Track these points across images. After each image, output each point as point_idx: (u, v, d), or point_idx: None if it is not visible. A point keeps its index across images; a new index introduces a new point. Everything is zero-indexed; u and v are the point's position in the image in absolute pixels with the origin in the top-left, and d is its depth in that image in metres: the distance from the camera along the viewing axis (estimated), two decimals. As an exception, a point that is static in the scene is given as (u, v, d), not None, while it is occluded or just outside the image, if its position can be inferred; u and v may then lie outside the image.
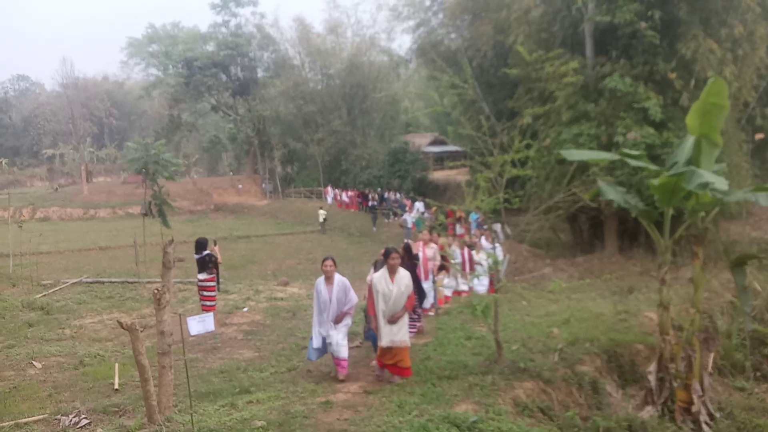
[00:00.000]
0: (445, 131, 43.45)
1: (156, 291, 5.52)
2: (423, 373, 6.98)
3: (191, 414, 5.70)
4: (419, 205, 30.76)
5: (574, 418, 6.19)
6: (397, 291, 6.68)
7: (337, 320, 7.11)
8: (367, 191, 39.64)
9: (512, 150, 7.32)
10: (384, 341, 6.68)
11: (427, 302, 10.69)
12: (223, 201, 51.86)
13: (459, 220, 24.31)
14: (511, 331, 8.88)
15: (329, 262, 7.07)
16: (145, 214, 20.59)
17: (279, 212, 45.59)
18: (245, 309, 12.77)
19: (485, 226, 18.66)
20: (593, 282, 11.97)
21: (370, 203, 35.88)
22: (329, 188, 44.59)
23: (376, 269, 7.70)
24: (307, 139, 49.69)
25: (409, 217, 28.56)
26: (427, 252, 10.79)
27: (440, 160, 47.24)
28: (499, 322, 7.32)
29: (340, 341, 7.07)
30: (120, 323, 5.39)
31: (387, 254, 6.76)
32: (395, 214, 33.02)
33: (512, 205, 7.29)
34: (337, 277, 7.13)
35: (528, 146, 7.46)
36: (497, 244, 14.08)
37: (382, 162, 44.74)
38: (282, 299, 13.91)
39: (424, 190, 39.69)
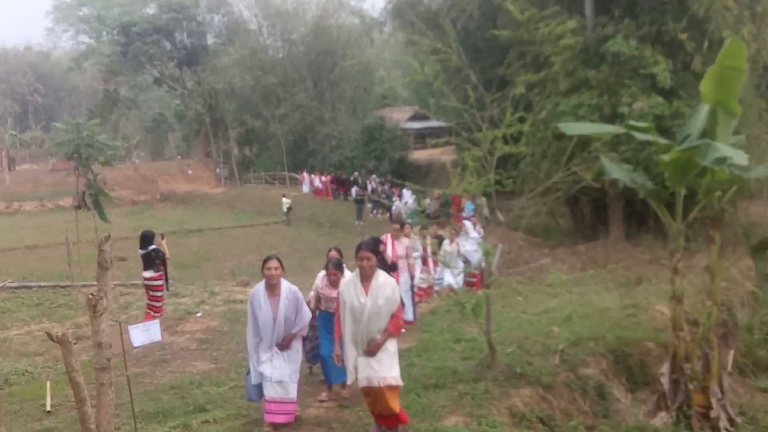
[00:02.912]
0: (426, 104, 43.37)
1: (91, 296, 5.40)
2: (406, 383, 6.94)
3: (137, 438, 5.63)
4: (408, 194, 30.31)
5: (579, 428, 6.26)
6: (371, 305, 5.40)
7: (283, 345, 6.07)
8: (343, 176, 39.43)
9: (503, 124, 7.31)
10: (355, 377, 5.52)
11: (407, 313, 10.08)
12: (171, 189, 51.33)
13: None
14: (505, 332, 8.95)
15: (273, 264, 5.98)
16: (78, 207, 20.24)
17: (236, 201, 45.30)
18: (199, 314, 12.68)
19: (473, 213, 18.77)
20: (597, 273, 12.07)
21: (354, 193, 34.69)
22: (305, 174, 44.19)
23: (329, 274, 6.86)
24: (267, 116, 49.29)
25: (402, 207, 28.27)
26: (397, 248, 10.40)
27: (422, 137, 47.21)
28: (492, 321, 7.35)
29: (288, 376, 6.01)
30: (50, 335, 5.28)
31: (357, 250, 5.55)
32: (382, 206, 31.81)
33: (505, 187, 7.29)
34: (285, 286, 6.04)
35: (521, 120, 7.47)
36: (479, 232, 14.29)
37: (354, 141, 44.61)
38: (242, 302, 13.80)
39: (403, 172, 39.68)
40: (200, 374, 8.73)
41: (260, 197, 43.85)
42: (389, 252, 10.17)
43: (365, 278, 5.53)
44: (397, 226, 10.88)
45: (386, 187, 35.07)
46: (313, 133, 48.25)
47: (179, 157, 69.11)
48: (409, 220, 14.11)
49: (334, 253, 7.79)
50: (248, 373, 6.29)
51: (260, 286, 6.12)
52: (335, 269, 6.87)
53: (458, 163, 31.94)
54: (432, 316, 11.48)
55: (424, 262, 12.94)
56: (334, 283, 6.79)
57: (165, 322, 11.41)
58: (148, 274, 11.59)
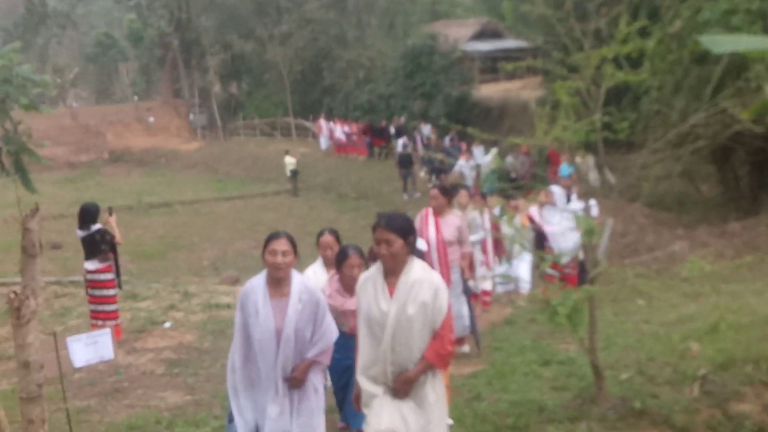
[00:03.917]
0: (499, 14, 43.01)
1: (13, 295, 5.58)
2: (471, 423, 7.05)
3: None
4: (479, 151, 29.88)
5: (728, 491, 6.27)
6: (397, 314, 5.10)
7: (294, 379, 5.79)
8: (382, 123, 39.27)
9: (615, 40, 7.24)
10: (377, 426, 5.15)
11: (458, 331, 9.58)
12: (125, 145, 52.13)
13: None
14: (618, 350, 8.93)
15: (281, 244, 5.75)
16: (-8, 170, 20.65)
17: (219, 162, 45.82)
18: (167, 324, 12.91)
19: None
20: (759, 263, 11.97)
21: (400, 150, 33.10)
22: (322, 122, 44.20)
23: (346, 267, 6.79)
24: (263, 36, 49.56)
25: (466, 167, 28.05)
26: (443, 231, 9.90)
27: (492, 65, 46.84)
28: (598, 334, 7.35)
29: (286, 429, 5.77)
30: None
31: (373, 229, 5.27)
32: (439, 169, 30.50)
33: (618, 134, 7.22)
34: (299, 282, 5.87)
35: (644, 33, 7.38)
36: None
37: (392, 72, 44.51)
38: (228, 306, 14.02)
39: (465, 116, 39.45)
40: (170, 410, 8.85)
41: (253, 156, 44.26)
42: (430, 236, 9.79)
43: (390, 272, 5.20)
44: (435, 192, 10.15)
45: (448, 140, 33.95)
46: (330, 60, 48.34)
47: (136, 98, 69.80)
48: (484, 189, 14.01)
49: (328, 239, 7.54)
50: (230, 420, 5.99)
51: (257, 280, 5.85)
52: (360, 258, 6.79)
53: (546, 101, 31.72)
54: (508, 328, 11.48)
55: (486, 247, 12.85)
56: (349, 286, 6.73)
57: (117, 332, 11.63)
58: (91, 265, 11.82)
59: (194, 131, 55.17)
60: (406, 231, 5.22)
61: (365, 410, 5.24)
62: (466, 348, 10.23)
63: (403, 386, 5.08)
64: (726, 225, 20.33)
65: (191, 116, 56.06)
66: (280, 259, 5.69)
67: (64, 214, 25.91)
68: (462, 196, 11.84)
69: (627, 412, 6.90)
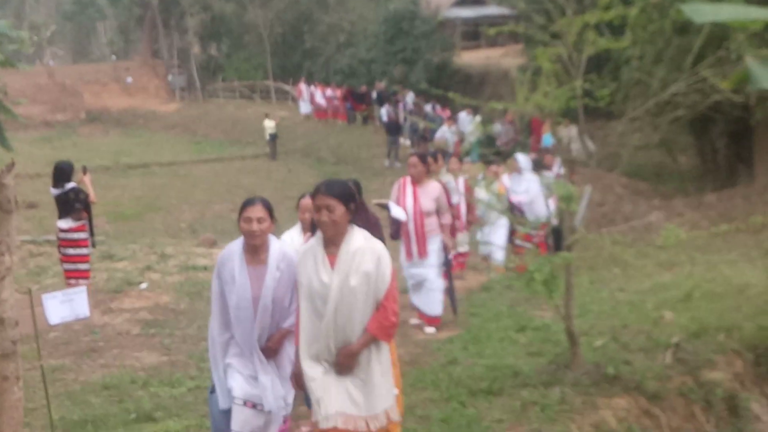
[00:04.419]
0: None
1: (-12, 251, 5.51)
2: (445, 387, 7.09)
3: (56, 456, 5.81)
4: (466, 117, 30.01)
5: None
6: (340, 286, 4.91)
7: (270, 349, 5.67)
8: (362, 88, 39.11)
9: (597, 7, 7.20)
10: (325, 411, 4.93)
11: (431, 306, 9.76)
12: (102, 105, 51.73)
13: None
14: (593, 317, 9.00)
15: (256, 210, 5.55)
16: (-33, 128, 20.44)
17: (198, 124, 45.64)
18: (143, 285, 12.91)
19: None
20: (733, 233, 12.04)
21: (385, 116, 33.23)
22: (302, 86, 43.72)
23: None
24: (243, -3, 49.12)
25: (449, 134, 27.94)
26: (422, 201, 9.57)
27: (474, 31, 46.68)
28: (574, 300, 7.38)
29: (275, 401, 5.59)
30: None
31: (313, 196, 5.03)
32: (421, 137, 30.73)
33: (598, 102, 7.21)
34: (276, 249, 5.67)
35: (626, 1, 7.35)
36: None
37: (373, 36, 44.29)
38: (206, 268, 14.00)
39: (446, 83, 39.38)
40: (146, 370, 8.87)
41: (232, 118, 44.09)
42: (407, 205, 9.51)
43: (330, 242, 4.98)
44: (414, 160, 9.76)
45: (429, 107, 34.21)
46: (311, 23, 48.14)
47: (114, 57, 69.19)
48: (470, 157, 14.00)
49: (309, 201, 6.80)
50: (212, 390, 5.83)
51: (234, 246, 5.69)
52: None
53: (527, 68, 31.64)
54: (485, 294, 11.53)
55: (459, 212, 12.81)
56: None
57: (95, 295, 11.62)
58: (65, 224, 11.78)
59: (173, 92, 54.75)
60: (348, 197, 4.98)
61: (311, 392, 4.97)
62: (431, 329, 9.80)
63: (346, 360, 4.89)
64: (702, 196, 20.47)
65: (170, 77, 55.57)
66: (255, 226, 5.49)
67: (40, 174, 25.63)
68: (453, 162, 11.81)
69: (600, 378, 6.95)
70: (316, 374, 4.93)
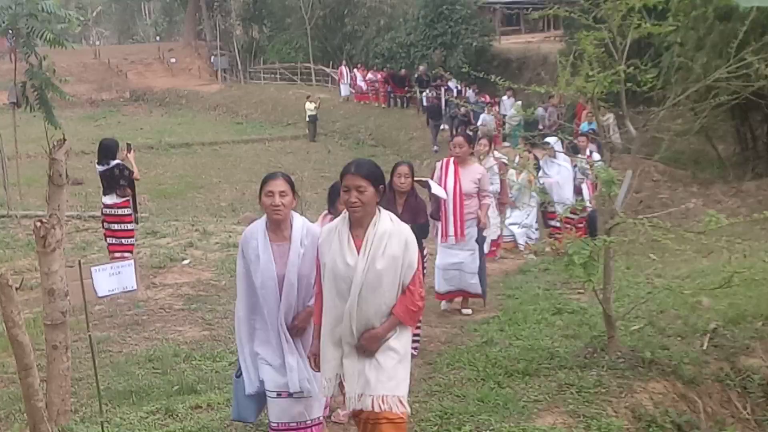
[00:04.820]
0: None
1: (39, 224, 5.63)
2: (482, 367, 7.11)
3: (102, 424, 5.91)
4: (509, 102, 29.73)
5: (734, 440, 6.33)
6: (366, 270, 4.77)
7: (297, 327, 5.52)
8: (402, 72, 38.98)
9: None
10: (334, 389, 5.05)
11: (472, 286, 9.64)
12: (146, 85, 52.12)
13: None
14: (629, 302, 8.92)
15: (277, 184, 5.39)
16: (17, 105, 20.67)
17: (239, 105, 45.84)
18: (186, 261, 13.07)
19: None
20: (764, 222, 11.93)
21: (425, 101, 33.28)
22: (343, 68, 43.54)
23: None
24: (286, -20, 49.16)
25: (489, 120, 27.74)
26: (463, 183, 9.43)
27: (513, 16, 46.39)
28: (612, 285, 7.36)
29: (310, 382, 5.42)
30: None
31: (341, 176, 4.88)
32: (464, 122, 29.93)
33: (641, 86, 7.17)
34: (300, 225, 5.54)
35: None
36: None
37: (413, 20, 44.12)
38: (246, 246, 14.16)
39: (486, 67, 39.02)
40: (188, 343, 9.00)
41: (274, 100, 44.16)
42: (448, 186, 9.37)
43: (357, 224, 4.82)
44: (460, 140, 9.67)
45: (472, 93, 33.25)
46: (351, 6, 48.04)
47: (157, 39, 69.84)
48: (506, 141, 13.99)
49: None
50: (238, 374, 5.71)
51: (257, 224, 5.54)
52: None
53: (567, 54, 31.18)
54: (522, 276, 11.53)
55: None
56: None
57: (139, 270, 11.74)
58: (109, 199, 11.90)
59: (215, 73, 54.99)
60: (378, 178, 4.83)
61: (324, 370, 4.92)
62: (468, 311, 9.79)
63: (370, 343, 4.75)
64: (741, 184, 20.24)
65: (212, 58, 55.79)
66: (278, 199, 5.32)
67: (85, 151, 25.94)
68: (482, 144, 11.79)
69: (636, 362, 6.92)
70: (334, 357, 4.85)
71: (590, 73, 6.98)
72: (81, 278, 5.68)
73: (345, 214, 4.86)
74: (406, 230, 4.83)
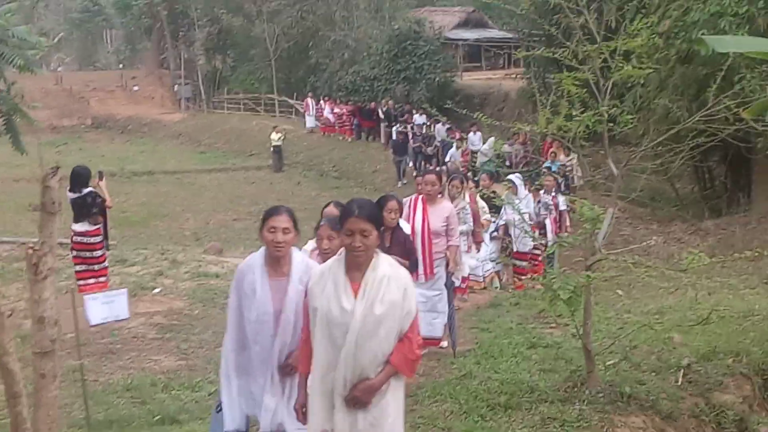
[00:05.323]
0: (485, 4, 42.93)
1: (31, 251, 5.55)
2: (464, 400, 7.09)
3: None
4: (477, 138, 29.05)
5: (710, 474, 6.40)
6: (363, 316, 4.46)
7: (290, 366, 5.26)
8: (371, 105, 38.94)
9: (622, 35, 7.32)
10: None
11: (434, 329, 9.23)
12: (108, 112, 51.86)
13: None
14: (603, 337, 9.01)
15: (281, 220, 5.24)
16: (-16, 130, 20.40)
17: (202, 134, 45.71)
18: (157, 290, 13.00)
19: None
20: (732, 261, 12.11)
21: (394, 135, 33.19)
22: (309, 100, 43.46)
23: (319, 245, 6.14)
24: (250, 12, 49.26)
25: (457, 156, 27.72)
26: (432, 220, 9.16)
27: (475, 53, 46.89)
28: (591, 320, 7.42)
29: (292, 424, 5.15)
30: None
31: (342, 218, 4.61)
32: (430, 157, 30.44)
33: (621, 126, 7.30)
34: (299, 261, 5.40)
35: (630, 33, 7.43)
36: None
37: (377, 55, 44.36)
38: (217, 276, 14.07)
39: (447, 103, 39.29)
40: (164, 373, 8.94)
41: (237, 130, 44.13)
42: (416, 224, 9.05)
43: (354, 266, 4.51)
44: (432, 178, 9.37)
45: (444, 129, 31.85)
46: (317, 40, 48.08)
47: (120, 66, 69.32)
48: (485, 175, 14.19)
49: (332, 209, 6.79)
50: (218, 409, 5.51)
51: (255, 258, 5.37)
52: (331, 229, 5.88)
53: (527, 92, 31.42)
54: (494, 310, 11.56)
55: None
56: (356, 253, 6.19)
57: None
58: (81, 227, 11.83)
59: (178, 102, 54.87)
60: (380, 220, 4.68)
61: (311, 424, 4.60)
62: (444, 343, 9.48)
63: (364, 395, 4.43)
64: (700, 222, 20.56)
65: (176, 87, 55.67)
66: (280, 236, 5.16)
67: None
68: (483, 179, 11.81)
69: (615, 397, 6.95)
70: (323, 408, 4.53)
71: (574, 113, 7.10)
72: (74, 306, 5.63)
73: (340, 255, 4.59)
74: (405, 275, 4.61)
